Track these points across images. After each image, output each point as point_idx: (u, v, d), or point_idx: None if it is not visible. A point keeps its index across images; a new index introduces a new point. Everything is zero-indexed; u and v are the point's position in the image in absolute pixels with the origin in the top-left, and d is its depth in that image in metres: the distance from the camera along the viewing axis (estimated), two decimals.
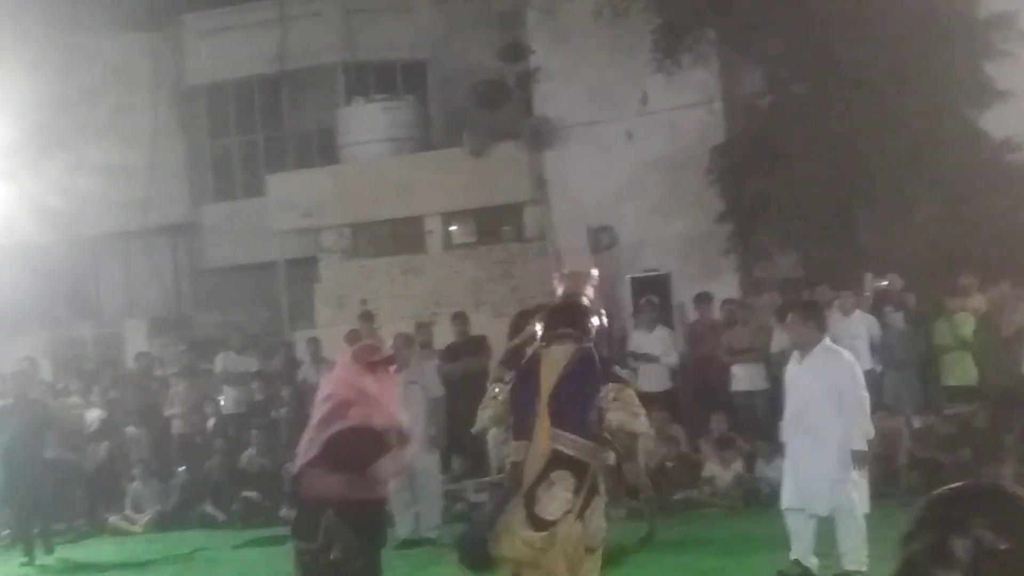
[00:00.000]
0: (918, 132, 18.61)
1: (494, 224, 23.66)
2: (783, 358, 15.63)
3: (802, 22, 19.37)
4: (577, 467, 7.87)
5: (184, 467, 19.11)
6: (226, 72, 26.45)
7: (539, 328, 8.49)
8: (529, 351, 8.43)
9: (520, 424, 8.15)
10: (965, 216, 18.56)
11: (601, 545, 8.03)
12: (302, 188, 24.42)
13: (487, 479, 17.69)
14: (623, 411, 8.01)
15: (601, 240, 21.73)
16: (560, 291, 8.87)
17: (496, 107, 23.16)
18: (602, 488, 8.02)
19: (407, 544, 14.15)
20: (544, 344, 8.27)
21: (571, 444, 7.87)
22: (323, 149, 25.79)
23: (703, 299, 18.92)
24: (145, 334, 25.18)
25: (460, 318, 19.50)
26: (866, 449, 10.29)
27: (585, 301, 8.60)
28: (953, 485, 2.80)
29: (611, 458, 8.10)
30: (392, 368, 8.02)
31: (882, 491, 12.47)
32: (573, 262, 10.99)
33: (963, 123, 19.14)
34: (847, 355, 10.73)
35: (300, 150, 26.47)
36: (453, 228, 23.86)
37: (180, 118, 27.06)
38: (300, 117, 26.76)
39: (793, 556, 10.60)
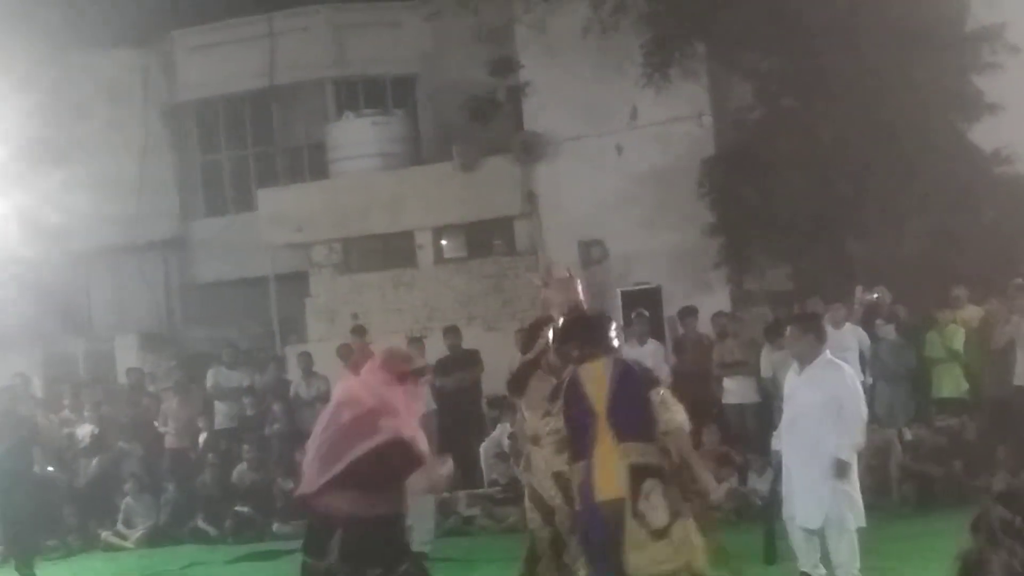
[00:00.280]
0: (908, 145, 18.67)
1: (485, 238, 23.66)
2: (773, 384, 15.73)
3: (791, 36, 19.44)
4: (656, 472, 8.12)
5: (175, 482, 19.09)
6: (216, 88, 26.45)
7: (554, 346, 8.71)
8: (561, 371, 8.65)
9: (578, 445, 8.31)
10: (955, 228, 18.62)
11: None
12: (293, 203, 24.42)
13: (480, 491, 17.74)
14: (671, 411, 8.42)
15: (592, 254, 21.77)
16: (549, 301, 8.99)
17: (486, 122, 23.18)
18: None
19: None
20: (576, 363, 8.47)
21: (643, 452, 8.15)
22: (313, 164, 25.79)
23: (688, 313, 18.95)
24: (136, 349, 25.15)
25: (452, 332, 19.53)
26: (850, 462, 10.26)
27: (588, 312, 8.80)
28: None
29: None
30: (424, 380, 7.54)
31: (874, 503, 12.49)
32: (556, 269, 11.00)
33: (953, 135, 19.19)
34: (848, 368, 10.76)
35: (290, 165, 26.47)
36: (444, 242, 23.85)
37: (170, 133, 27.04)
38: (290, 132, 26.75)
39: (802, 568, 10.59)
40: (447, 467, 7.46)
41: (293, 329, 24.82)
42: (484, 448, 18.29)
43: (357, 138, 24.30)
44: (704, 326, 18.78)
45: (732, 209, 20.13)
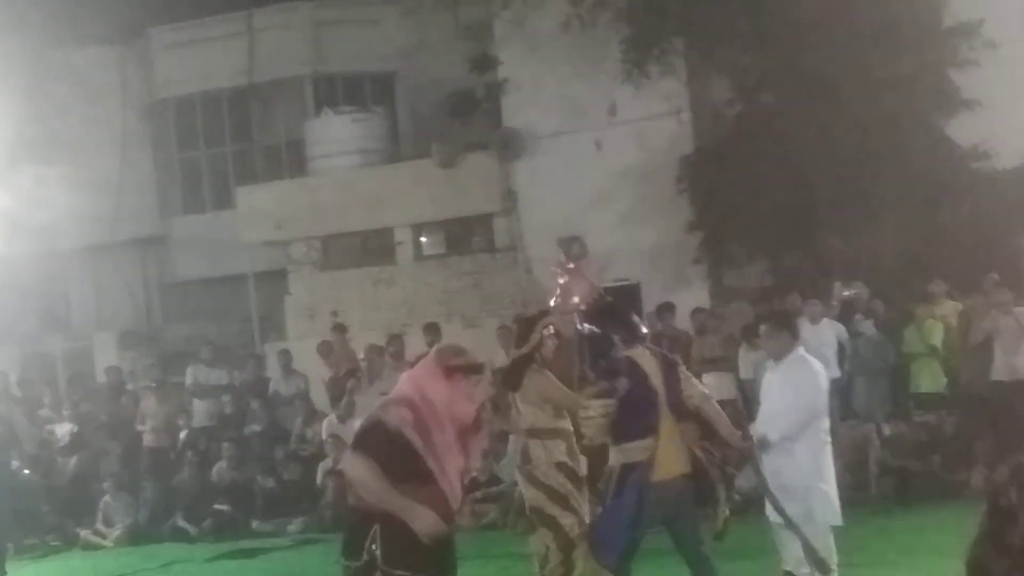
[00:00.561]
0: (885, 140, 18.71)
1: (464, 235, 23.67)
2: (752, 386, 15.72)
3: (768, 32, 19.48)
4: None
5: (154, 481, 19.04)
6: (194, 85, 26.42)
7: (588, 329, 9.03)
8: (555, 364, 9.23)
9: (642, 423, 8.77)
10: (933, 224, 18.66)
11: None
12: (271, 200, 24.38)
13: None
14: (694, 383, 9.27)
15: (571, 250, 21.74)
16: (568, 290, 9.17)
17: (465, 118, 23.20)
18: None
19: None
20: (625, 348, 8.94)
21: (693, 432, 8.89)
22: (292, 161, 25.76)
23: (666, 309, 18.95)
24: (115, 347, 25.11)
25: (432, 329, 19.50)
26: (771, 441, 10.04)
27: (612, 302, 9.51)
28: None
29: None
30: (475, 379, 6.72)
31: (852, 498, 12.50)
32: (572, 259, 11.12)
33: (930, 131, 19.24)
34: (817, 365, 10.70)
35: (269, 162, 26.43)
36: (423, 239, 23.85)
37: (149, 131, 27.00)
38: (269, 129, 26.73)
39: (785, 568, 10.50)
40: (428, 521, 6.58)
41: (272, 327, 24.80)
42: None
43: (336, 135, 24.26)
44: (683, 322, 18.78)
45: (711, 205, 20.16)
